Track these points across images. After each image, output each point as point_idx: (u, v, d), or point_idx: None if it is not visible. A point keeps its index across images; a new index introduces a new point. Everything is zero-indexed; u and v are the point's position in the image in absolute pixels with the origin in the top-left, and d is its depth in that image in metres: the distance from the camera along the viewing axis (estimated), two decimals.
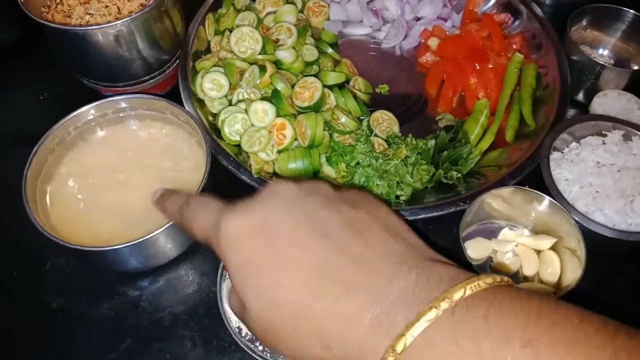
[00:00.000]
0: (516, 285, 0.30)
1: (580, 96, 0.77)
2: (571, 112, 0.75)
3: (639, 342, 0.25)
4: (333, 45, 0.81)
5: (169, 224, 0.54)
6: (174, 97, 0.69)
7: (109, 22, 0.69)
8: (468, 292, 0.27)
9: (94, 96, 0.74)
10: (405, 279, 0.29)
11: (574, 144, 0.67)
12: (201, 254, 0.63)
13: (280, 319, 0.30)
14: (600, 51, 0.81)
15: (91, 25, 0.67)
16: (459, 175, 0.66)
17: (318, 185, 0.35)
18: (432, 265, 0.30)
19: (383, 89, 0.78)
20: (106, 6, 0.72)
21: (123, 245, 0.53)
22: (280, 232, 0.31)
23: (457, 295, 0.27)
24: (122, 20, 0.63)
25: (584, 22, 0.79)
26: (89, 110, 0.64)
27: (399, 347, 0.27)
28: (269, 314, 0.31)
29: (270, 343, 0.32)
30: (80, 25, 0.69)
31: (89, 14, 0.72)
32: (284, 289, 0.30)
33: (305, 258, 0.30)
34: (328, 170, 0.67)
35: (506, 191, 0.60)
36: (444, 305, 0.27)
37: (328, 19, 0.85)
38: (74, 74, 0.75)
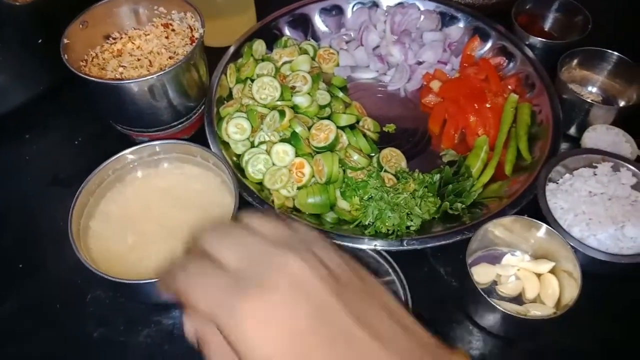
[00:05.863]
0: None
1: (572, 130, 0.83)
2: (564, 146, 0.82)
3: None
4: (343, 89, 0.88)
5: None
6: (199, 139, 0.75)
7: (141, 74, 0.76)
8: None
9: (125, 141, 0.81)
10: None
11: (567, 176, 0.72)
12: None
13: None
14: (590, 89, 0.88)
15: (127, 79, 0.74)
16: (464, 206, 0.72)
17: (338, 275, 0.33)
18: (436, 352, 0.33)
19: (390, 127, 0.85)
20: (138, 59, 0.79)
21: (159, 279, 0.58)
22: (306, 342, 0.30)
23: None
24: (157, 74, 0.70)
25: (574, 63, 0.86)
26: (127, 155, 0.70)
27: None
28: None
29: None
30: (116, 78, 0.76)
31: (122, 66, 0.79)
32: None
33: None
34: (343, 204, 0.73)
35: (507, 220, 0.66)
36: None
37: (338, 65, 0.92)
38: (107, 120, 0.82)
